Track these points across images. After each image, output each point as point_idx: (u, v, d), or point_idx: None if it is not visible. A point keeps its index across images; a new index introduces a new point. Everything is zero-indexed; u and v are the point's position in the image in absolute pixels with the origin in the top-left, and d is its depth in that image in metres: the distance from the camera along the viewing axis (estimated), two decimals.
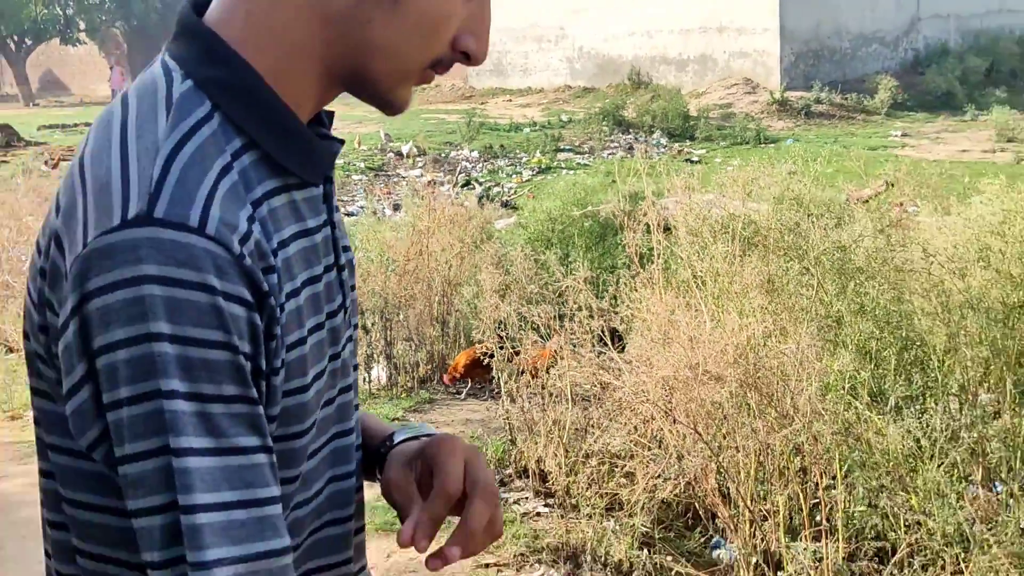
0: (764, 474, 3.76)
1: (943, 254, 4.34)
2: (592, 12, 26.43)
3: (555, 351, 4.16)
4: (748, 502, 3.71)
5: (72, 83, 40.73)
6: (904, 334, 4.17)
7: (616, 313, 4.22)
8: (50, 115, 29.18)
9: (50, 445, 0.96)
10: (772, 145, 17.92)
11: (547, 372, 4.26)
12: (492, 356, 4.21)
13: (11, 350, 6.91)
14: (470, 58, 1.03)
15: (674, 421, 3.50)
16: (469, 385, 5.78)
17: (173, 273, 0.82)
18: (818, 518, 3.75)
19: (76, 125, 25.81)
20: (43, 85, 39.96)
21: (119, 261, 0.83)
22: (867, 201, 8.18)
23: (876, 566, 3.68)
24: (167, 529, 0.85)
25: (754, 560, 3.70)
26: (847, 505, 3.80)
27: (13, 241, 8.77)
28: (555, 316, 4.39)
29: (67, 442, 0.93)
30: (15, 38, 35.86)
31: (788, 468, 3.72)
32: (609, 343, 4.23)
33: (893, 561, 3.51)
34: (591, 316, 4.13)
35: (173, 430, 0.83)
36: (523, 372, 4.24)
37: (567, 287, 4.46)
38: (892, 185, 9.71)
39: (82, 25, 36.71)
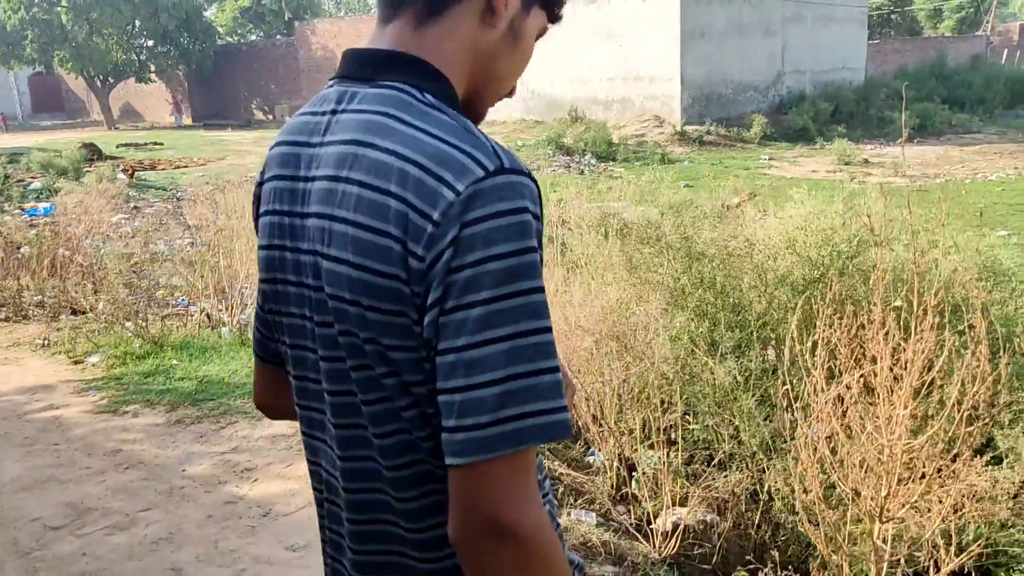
0: (623, 401, 3.85)
1: (763, 243, 4.46)
2: (542, 62, 26.36)
3: None
4: (612, 422, 3.82)
5: (145, 112, 40.07)
6: (732, 301, 4.28)
7: None
8: (126, 136, 28.72)
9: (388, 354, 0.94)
10: (673, 164, 18.02)
11: None
12: None
13: (75, 312, 6.87)
14: (514, 89, 1.11)
15: None
16: None
17: (531, 203, 0.88)
18: (663, 434, 3.86)
19: (146, 144, 25.44)
20: (122, 114, 39.31)
21: (503, 196, 0.87)
22: (737, 206, 8.28)
23: (705, 468, 3.80)
24: (501, 395, 0.86)
25: (615, 464, 3.81)
26: (684, 424, 3.92)
27: (87, 232, 8.67)
28: None
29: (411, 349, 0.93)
30: (101, 77, 35.25)
31: (641, 396, 3.83)
32: None
33: (714, 462, 3.63)
34: None
35: (536, 315, 0.87)
36: None
37: None
38: (754, 195, 9.85)
39: (152, 68, 36.13)
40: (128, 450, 4.21)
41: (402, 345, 0.93)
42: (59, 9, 32.38)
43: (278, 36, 37.48)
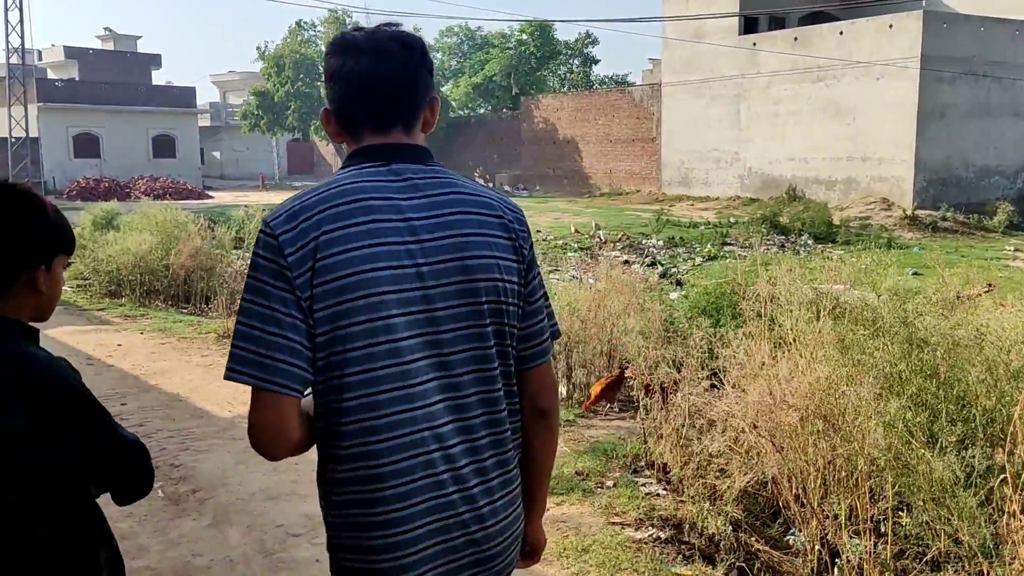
0: (828, 483, 3.77)
1: (995, 334, 4.21)
2: (760, 141, 26.05)
3: (625, 375, 4.50)
4: (815, 504, 3.74)
5: None
6: (956, 393, 4.07)
7: (722, 356, 4.33)
8: None
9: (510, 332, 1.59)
10: (902, 251, 16.99)
11: (674, 395, 4.43)
12: (625, 375, 4.40)
13: None
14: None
15: (757, 433, 3.61)
16: (608, 406, 5.78)
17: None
18: (871, 524, 3.72)
19: None
20: None
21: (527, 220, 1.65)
22: (972, 298, 7.77)
23: (915, 565, 3.61)
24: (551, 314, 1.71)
25: (817, 548, 3.72)
26: (895, 516, 3.75)
27: None
28: (684, 355, 4.57)
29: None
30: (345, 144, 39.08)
31: (848, 481, 3.73)
32: (722, 378, 4.36)
33: (926, 558, 3.45)
34: (709, 355, 4.29)
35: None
36: (654, 393, 4.43)
37: (696, 335, 4.64)
38: (991, 286, 9.13)
39: None
40: None
41: (517, 303, 1.59)
42: (319, 83, 36.63)
43: (505, 110, 39.85)
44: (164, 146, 39.14)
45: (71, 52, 45.58)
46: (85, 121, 37.57)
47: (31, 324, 1.62)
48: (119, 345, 8.12)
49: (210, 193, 34.77)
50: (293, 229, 1.43)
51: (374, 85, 1.52)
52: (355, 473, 1.46)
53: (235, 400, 6.02)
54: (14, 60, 34.05)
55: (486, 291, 1.50)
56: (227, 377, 1.42)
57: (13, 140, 33.15)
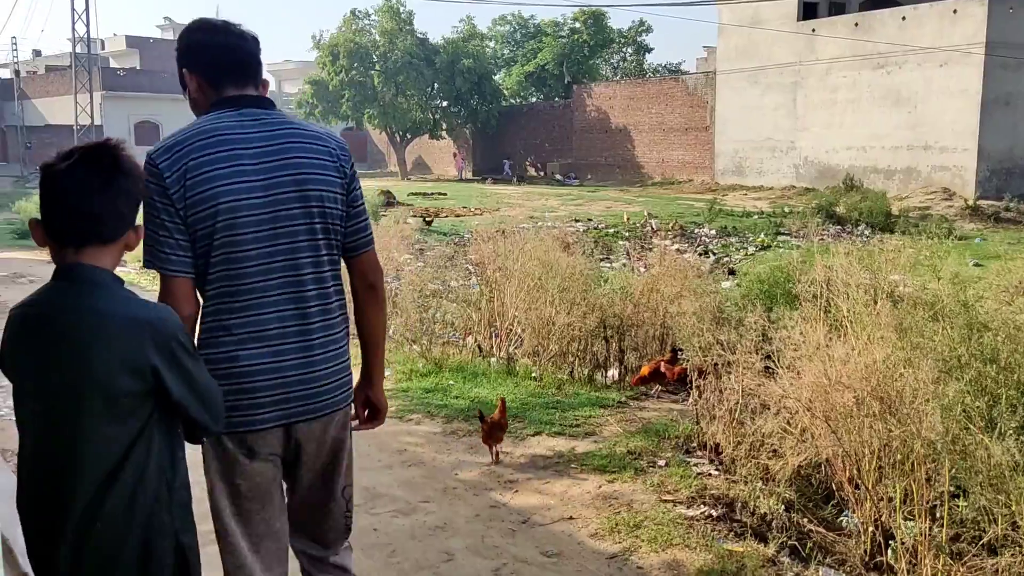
0: (883, 466, 3.76)
1: None
2: (817, 129, 25.56)
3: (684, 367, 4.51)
4: (869, 485, 3.74)
5: (433, 165, 44.22)
6: (1017, 378, 4.02)
7: (776, 339, 4.32)
8: (416, 186, 31.91)
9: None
10: (962, 241, 16.55)
11: (728, 376, 4.44)
12: (678, 357, 4.40)
13: None
14: None
15: (812, 415, 3.62)
16: (655, 389, 5.81)
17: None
18: (926, 506, 3.71)
19: (432, 193, 28.11)
20: (414, 166, 43.65)
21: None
22: None
23: (971, 548, 3.59)
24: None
25: (871, 530, 3.72)
26: (952, 501, 3.73)
27: (384, 265, 9.79)
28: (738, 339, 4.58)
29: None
30: (400, 133, 39.50)
31: (903, 465, 3.71)
32: (776, 361, 4.37)
33: (982, 542, 3.43)
34: (763, 339, 4.30)
35: None
36: (707, 374, 4.45)
37: (750, 319, 4.64)
38: None
39: (444, 126, 39.82)
40: (411, 451, 4.82)
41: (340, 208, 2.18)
42: (373, 72, 37.00)
43: (556, 99, 39.77)
44: (148, 134, 39.07)
45: (132, 41, 46.79)
46: (146, 109, 38.55)
47: None
48: None
49: None
50: (169, 158, 2.01)
51: (239, 54, 2.14)
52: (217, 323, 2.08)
53: None
54: (79, 49, 35.09)
55: (316, 198, 2.09)
56: (144, 265, 2.04)
57: (78, 127, 34.20)
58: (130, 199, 1.75)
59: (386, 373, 6.38)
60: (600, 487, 4.19)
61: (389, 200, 22.82)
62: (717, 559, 3.40)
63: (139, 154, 1.85)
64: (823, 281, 4.66)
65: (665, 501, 3.93)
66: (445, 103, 39.37)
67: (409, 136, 40.02)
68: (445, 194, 28.05)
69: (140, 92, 39.02)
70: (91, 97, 35.00)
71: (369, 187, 27.51)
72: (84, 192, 1.66)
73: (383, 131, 40.13)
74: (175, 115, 37.78)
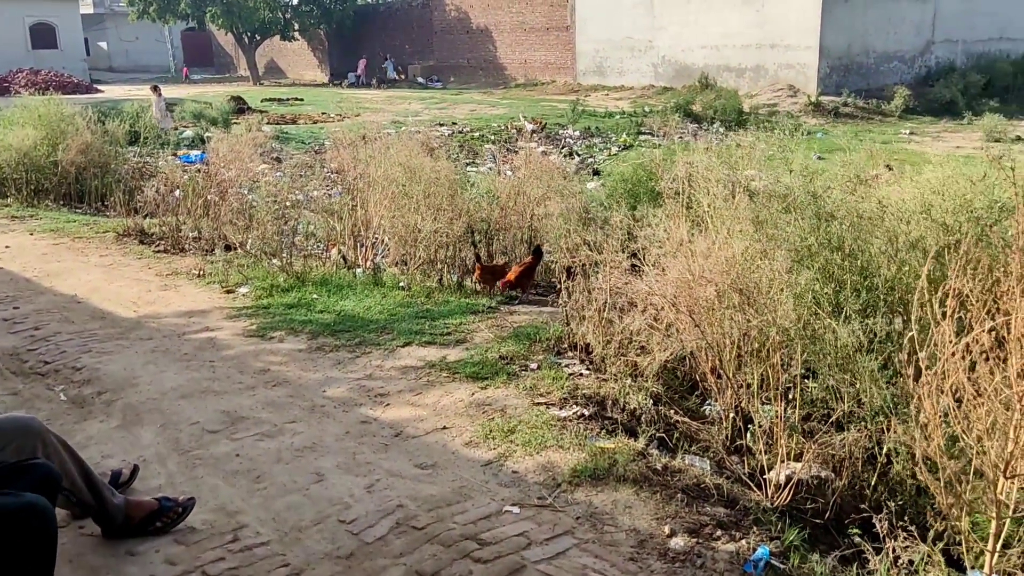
0: (743, 355, 3.89)
1: (896, 206, 4.34)
2: (673, 28, 25.81)
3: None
4: (730, 374, 3.86)
5: (288, 69, 41.83)
6: (860, 264, 4.21)
7: (641, 237, 4.34)
8: (270, 92, 30.13)
9: None
10: (806, 136, 17.34)
11: (595, 276, 4.44)
12: (540, 256, 4.29)
13: (228, 248, 7.41)
14: None
15: (676, 311, 3.66)
16: (523, 293, 5.79)
17: None
18: (780, 391, 3.87)
19: (288, 99, 26.64)
20: (266, 70, 41.14)
21: None
22: (872, 179, 7.99)
23: (821, 426, 3.79)
24: None
25: (732, 416, 3.87)
26: (803, 383, 3.92)
27: (237, 177, 9.24)
28: (603, 239, 4.56)
29: None
30: (248, 35, 36.94)
31: (760, 352, 3.85)
32: (641, 259, 4.39)
33: (831, 420, 3.62)
34: (629, 238, 4.30)
35: None
36: (575, 275, 4.44)
37: (615, 218, 4.63)
38: (891, 168, 9.42)
39: (296, 26, 37.54)
40: (275, 370, 4.60)
41: None
42: None
43: None
44: (44, 36, 36.17)
45: None
46: None
47: None
48: (7, 247, 7.64)
49: (99, 87, 32.46)
50: None
51: None
52: None
53: (140, 300, 5.76)
54: None
55: None
56: None
57: None
58: None
59: (244, 290, 6.06)
60: (473, 394, 4.14)
61: (240, 107, 21.41)
62: (590, 457, 3.44)
63: None
64: (684, 178, 4.69)
65: (538, 404, 3.93)
66: (296, 1, 36.99)
67: (258, 38, 37.52)
68: (302, 100, 26.66)
69: None
70: None
71: (218, 93, 25.75)
72: None
73: (229, 32, 37.37)
74: None
